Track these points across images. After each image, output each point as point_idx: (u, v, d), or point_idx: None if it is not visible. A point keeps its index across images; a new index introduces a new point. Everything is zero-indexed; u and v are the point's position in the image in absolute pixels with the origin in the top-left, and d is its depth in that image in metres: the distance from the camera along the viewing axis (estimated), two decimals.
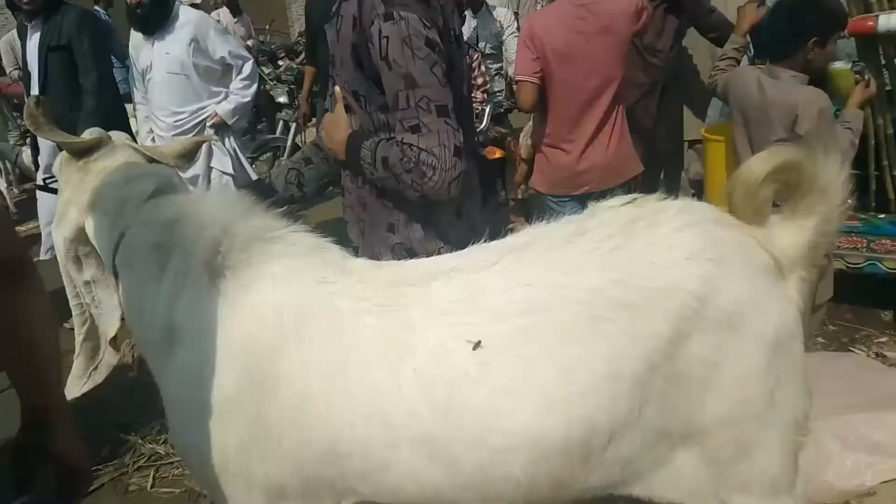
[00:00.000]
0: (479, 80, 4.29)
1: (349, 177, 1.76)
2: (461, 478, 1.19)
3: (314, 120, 6.04)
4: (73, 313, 1.62)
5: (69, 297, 1.62)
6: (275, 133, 6.41)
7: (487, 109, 4.26)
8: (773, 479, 1.26)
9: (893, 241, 3.22)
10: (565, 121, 2.92)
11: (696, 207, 1.32)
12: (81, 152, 1.53)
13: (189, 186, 1.65)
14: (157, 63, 3.76)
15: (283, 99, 6.62)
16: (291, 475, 1.26)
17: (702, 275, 1.21)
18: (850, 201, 1.33)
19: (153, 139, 3.89)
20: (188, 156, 1.75)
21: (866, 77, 2.59)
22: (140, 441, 2.91)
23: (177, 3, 3.82)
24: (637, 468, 1.25)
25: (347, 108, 1.67)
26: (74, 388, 1.60)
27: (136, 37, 3.84)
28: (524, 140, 4.38)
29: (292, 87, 6.75)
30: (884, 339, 3.23)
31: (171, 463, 2.77)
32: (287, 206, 1.53)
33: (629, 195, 1.33)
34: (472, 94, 3.55)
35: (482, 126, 4.12)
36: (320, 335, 1.25)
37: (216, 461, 1.28)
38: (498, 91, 5.00)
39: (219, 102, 3.88)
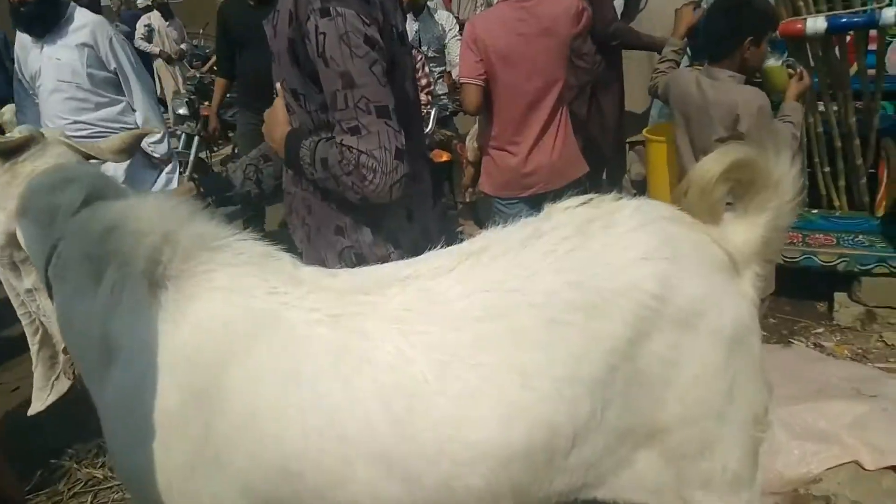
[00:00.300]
0: (423, 82, 4.26)
1: (292, 178, 1.68)
2: (421, 492, 1.15)
3: (232, 133, 5.68)
4: (23, 323, 1.54)
5: (15, 306, 1.53)
6: (176, 147, 5.74)
7: (433, 112, 4.23)
8: (734, 474, 1.26)
9: (826, 236, 3.36)
10: (510, 123, 2.92)
11: (651, 207, 1.31)
12: (7, 152, 1.43)
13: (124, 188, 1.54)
14: (47, 69, 3.38)
15: (182, 111, 5.96)
16: (241, 495, 1.19)
17: (658, 274, 1.20)
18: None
19: None
20: (128, 151, 1.65)
21: (798, 70, 2.68)
22: (75, 465, 2.75)
23: (72, 4, 3.43)
24: (600, 471, 1.23)
25: (288, 107, 1.61)
26: (38, 401, 1.52)
27: (23, 38, 3.43)
28: (470, 143, 4.38)
29: (192, 97, 6.08)
30: (821, 330, 3.36)
31: (111, 487, 2.63)
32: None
33: (585, 196, 1.32)
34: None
35: (428, 129, 4.09)
36: (270, 348, 1.19)
37: (160, 483, 1.20)
38: (442, 94, 4.99)
39: (118, 112, 3.51)
